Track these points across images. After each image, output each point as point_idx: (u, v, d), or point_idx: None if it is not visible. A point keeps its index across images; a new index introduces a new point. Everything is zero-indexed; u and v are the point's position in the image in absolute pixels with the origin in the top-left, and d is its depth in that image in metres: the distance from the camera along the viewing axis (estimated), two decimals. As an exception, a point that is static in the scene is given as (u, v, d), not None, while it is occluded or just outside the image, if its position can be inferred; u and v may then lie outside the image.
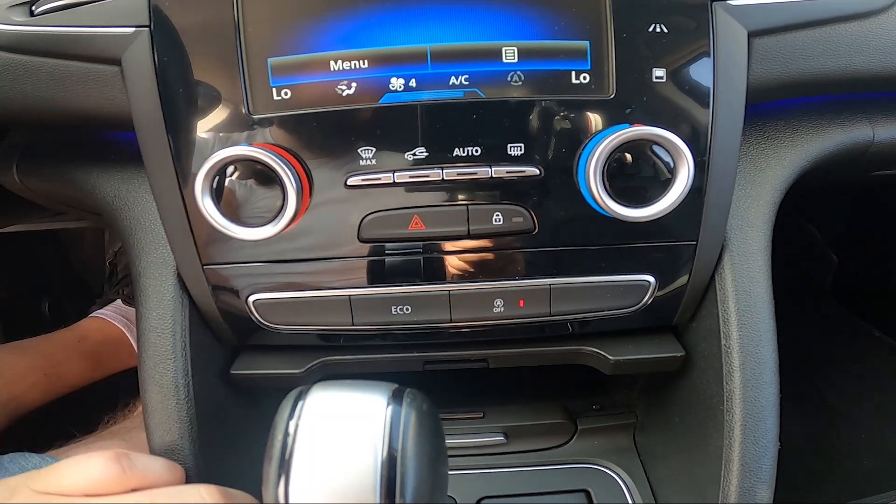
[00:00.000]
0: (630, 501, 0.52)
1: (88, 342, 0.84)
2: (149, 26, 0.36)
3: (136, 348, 0.87)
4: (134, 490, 0.34)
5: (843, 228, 0.92)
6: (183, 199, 0.38)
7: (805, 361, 0.83)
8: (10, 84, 0.38)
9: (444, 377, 0.50)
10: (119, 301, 0.93)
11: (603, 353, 0.46)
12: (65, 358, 0.80)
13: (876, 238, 0.87)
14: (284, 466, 0.27)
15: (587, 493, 0.52)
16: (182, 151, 0.37)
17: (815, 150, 0.43)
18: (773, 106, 0.43)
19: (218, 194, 0.36)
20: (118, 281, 0.97)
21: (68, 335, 0.84)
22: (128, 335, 0.88)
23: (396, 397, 0.29)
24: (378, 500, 0.27)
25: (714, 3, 0.36)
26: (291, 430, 0.28)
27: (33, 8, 0.37)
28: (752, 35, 0.37)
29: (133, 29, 0.36)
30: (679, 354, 0.46)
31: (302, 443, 0.28)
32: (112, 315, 0.89)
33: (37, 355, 0.77)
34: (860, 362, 0.82)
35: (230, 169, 0.36)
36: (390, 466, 0.27)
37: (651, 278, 0.42)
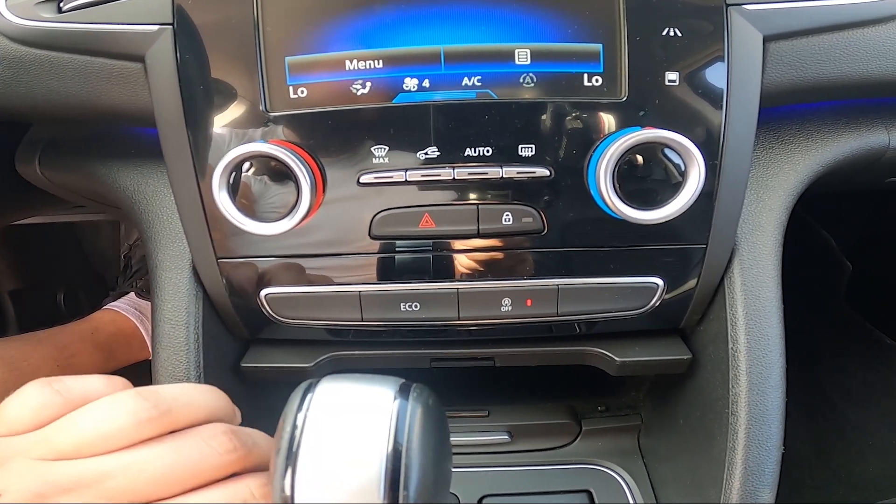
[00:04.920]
0: (632, 502, 0.52)
1: (101, 334, 0.85)
2: (172, 24, 0.37)
3: (148, 341, 0.89)
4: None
5: (857, 234, 0.91)
6: (200, 194, 0.39)
7: (815, 367, 0.82)
8: (36, 80, 0.39)
9: (451, 375, 0.51)
10: (132, 294, 0.94)
11: (609, 354, 0.46)
12: (79, 350, 0.81)
13: (890, 245, 0.86)
14: (292, 458, 0.28)
15: (589, 493, 0.53)
16: (201, 147, 0.38)
17: (830, 155, 0.43)
18: (787, 110, 0.43)
19: (234, 189, 0.37)
20: (132, 274, 0.99)
21: (82, 327, 0.85)
22: (140, 328, 0.89)
23: (403, 391, 0.30)
24: (382, 493, 0.27)
25: (730, 7, 0.36)
26: (300, 422, 0.29)
27: (61, 4, 0.37)
28: (767, 39, 0.37)
29: (157, 27, 0.37)
30: (686, 357, 0.46)
31: (309, 435, 0.28)
32: (125, 308, 0.90)
33: (51, 346, 0.78)
34: (870, 369, 0.81)
35: (246, 165, 0.37)
36: (395, 459, 0.28)
37: (659, 281, 0.42)
